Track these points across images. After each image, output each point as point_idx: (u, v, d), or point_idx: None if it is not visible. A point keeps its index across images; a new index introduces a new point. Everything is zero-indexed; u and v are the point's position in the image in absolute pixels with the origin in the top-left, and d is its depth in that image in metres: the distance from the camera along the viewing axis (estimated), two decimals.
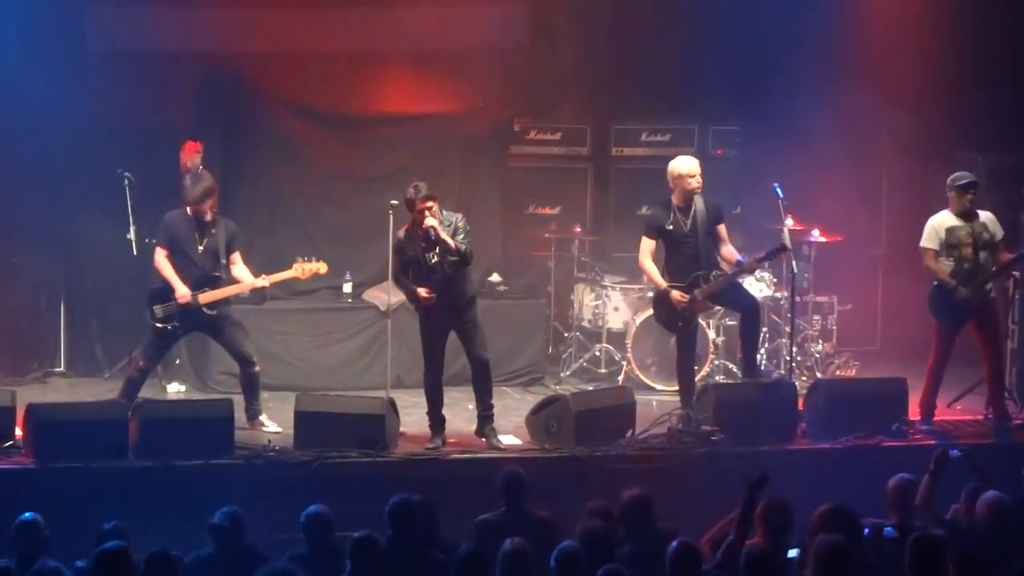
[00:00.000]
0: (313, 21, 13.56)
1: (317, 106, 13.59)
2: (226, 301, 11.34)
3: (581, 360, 13.39)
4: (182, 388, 12.71)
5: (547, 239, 13.77)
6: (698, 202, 11.18)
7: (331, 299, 13.43)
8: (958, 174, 11.46)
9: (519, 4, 14.16)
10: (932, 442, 10.92)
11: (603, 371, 13.29)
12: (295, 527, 8.16)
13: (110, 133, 12.84)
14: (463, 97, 13.88)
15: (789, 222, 12.05)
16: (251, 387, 11.37)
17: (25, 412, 10.48)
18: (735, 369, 12.92)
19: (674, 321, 11.33)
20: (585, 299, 13.52)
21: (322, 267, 11.61)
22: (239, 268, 11.42)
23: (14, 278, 13.14)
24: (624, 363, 13.06)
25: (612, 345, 13.30)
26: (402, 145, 13.62)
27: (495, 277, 13.54)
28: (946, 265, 11.32)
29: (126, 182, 12.37)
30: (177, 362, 12.81)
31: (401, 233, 10.88)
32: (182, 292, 11.14)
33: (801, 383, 12.16)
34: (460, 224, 10.80)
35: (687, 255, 11.18)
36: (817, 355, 13.38)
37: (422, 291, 10.74)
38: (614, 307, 13.34)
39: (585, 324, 13.53)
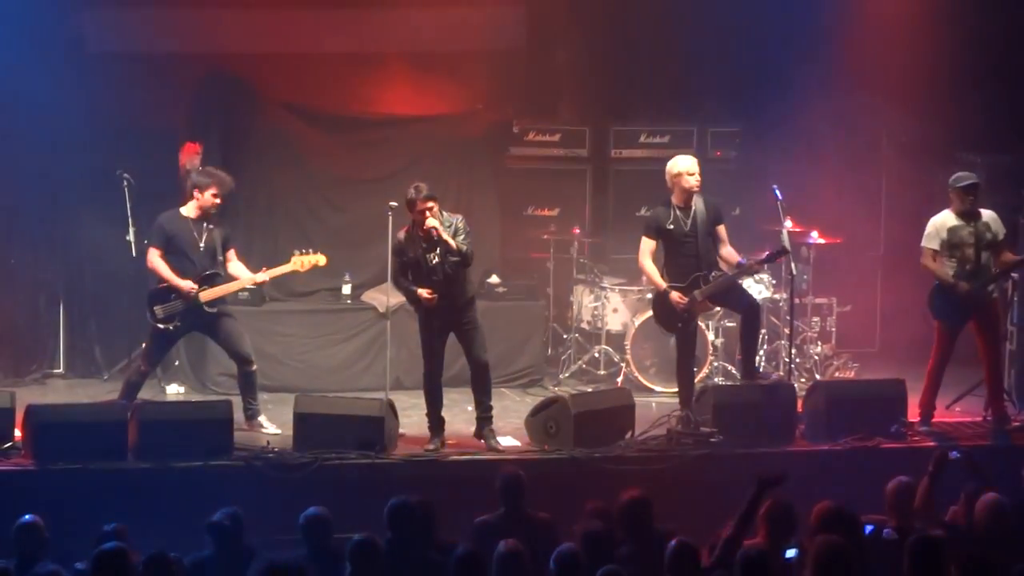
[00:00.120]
0: (312, 23, 13.58)
1: (316, 108, 13.60)
2: (225, 299, 11.35)
3: (580, 362, 13.39)
4: (181, 389, 12.72)
5: (546, 241, 13.78)
6: (698, 202, 11.19)
7: (330, 300, 13.43)
8: (960, 175, 11.46)
9: (518, 6, 14.17)
10: (931, 444, 10.92)
11: (602, 373, 13.29)
12: (294, 529, 8.15)
13: (109, 134, 12.84)
14: (462, 99, 13.90)
15: (788, 224, 12.05)
16: (249, 387, 11.37)
17: (24, 413, 10.47)
18: (734, 371, 12.92)
19: (674, 322, 11.33)
20: (584, 300, 13.52)
21: (320, 259, 11.58)
22: (235, 265, 11.43)
23: (13, 280, 13.14)
24: (623, 365, 13.06)
25: (611, 347, 13.30)
26: (401, 147, 13.62)
27: (494, 278, 13.53)
28: (948, 265, 11.32)
29: (125, 183, 12.36)
30: (176, 363, 12.82)
31: (401, 235, 10.88)
32: (188, 286, 11.12)
33: (800, 385, 12.16)
34: (460, 225, 10.81)
35: (687, 256, 11.18)
36: (816, 357, 13.38)
37: (424, 292, 10.74)
38: (613, 309, 13.35)
39: (584, 326, 13.54)
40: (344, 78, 13.62)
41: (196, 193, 11.24)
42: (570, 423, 10.87)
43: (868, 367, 13.56)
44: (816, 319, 13.56)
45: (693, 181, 11.15)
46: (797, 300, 12.63)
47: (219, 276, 11.29)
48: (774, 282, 13.25)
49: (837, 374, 13.42)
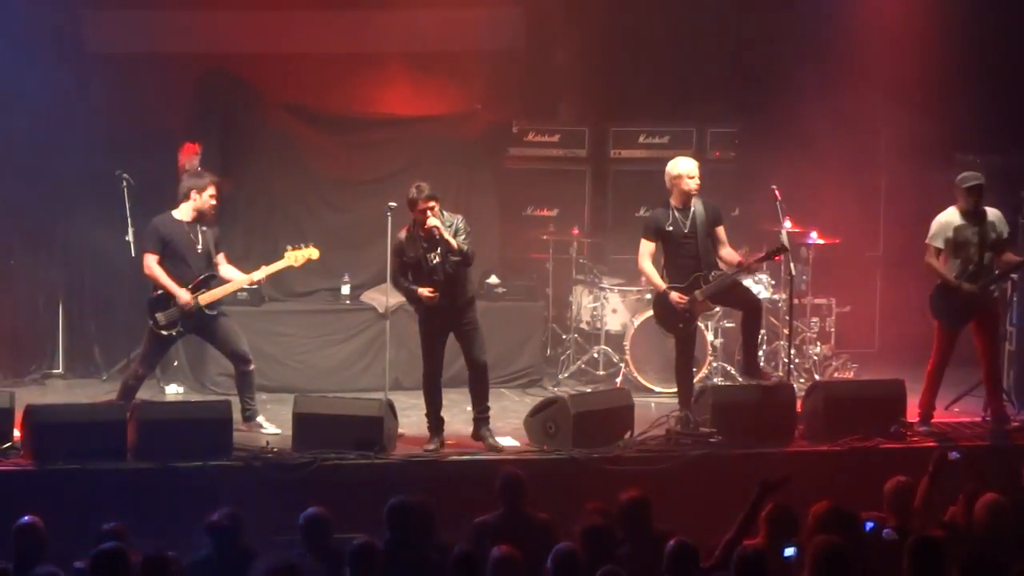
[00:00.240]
0: (312, 23, 13.58)
1: (315, 108, 13.60)
2: (222, 301, 11.35)
3: (579, 362, 13.39)
4: (180, 390, 12.71)
5: (545, 241, 13.78)
6: (697, 204, 11.18)
7: (329, 301, 13.43)
8: (966, 175, 11.45)
9: (517, 6, 14.18)
10: (930, 444, 10.93)
11: (601, 373, 13.29)
12: (294, 529, 8.15)
13: (108, 135, 12.85)
14: (461, 99, 13.90)
15: (787, 224, 12.06)
16: (246, 387, 11.36)
17: (23, 414, 10.46)
18: (733, 371, 12.92)
19: (674, 322, 11.32)
20: (583, 301, 13.52)
21: (313, 252, 11.54)
22: (226, 268, 11.42)
23: (13, 280, 13.13)
24: (622, 365, 13.06)
25: (610, 347, 13.29)
26: (400, 147, 13.62)
27: (493, 279, 13.52)
28: (951, 264, 11.32)
29: (124, 184, 12.34)
30: (175, 364, 12.81)
31: (402, 234, 10.87)
32: (184, 297, 11.11)
33: (799, 385, 12.16)
34: (461, 225, 10.81)
35: (687, 257, 11.18)
36: (815, 357, 13.38)
37: (425, 291, 10.73)
38: (612, 309, 13.35)
39: (583, 326, 13.53)
40: (344, 78, 13.62)
41: (194, 195, 11.21)
42: (569, 423, 10.87)
43: (867, 367, 13.56)
44: (815, 319, 13.56)
45: (693, 184, 11.14)
46: (796, 300, 12.62)
47: (214, 278, 11.28)
48: (773, 282, 13.25)
49: (836, 374, 13.42)
